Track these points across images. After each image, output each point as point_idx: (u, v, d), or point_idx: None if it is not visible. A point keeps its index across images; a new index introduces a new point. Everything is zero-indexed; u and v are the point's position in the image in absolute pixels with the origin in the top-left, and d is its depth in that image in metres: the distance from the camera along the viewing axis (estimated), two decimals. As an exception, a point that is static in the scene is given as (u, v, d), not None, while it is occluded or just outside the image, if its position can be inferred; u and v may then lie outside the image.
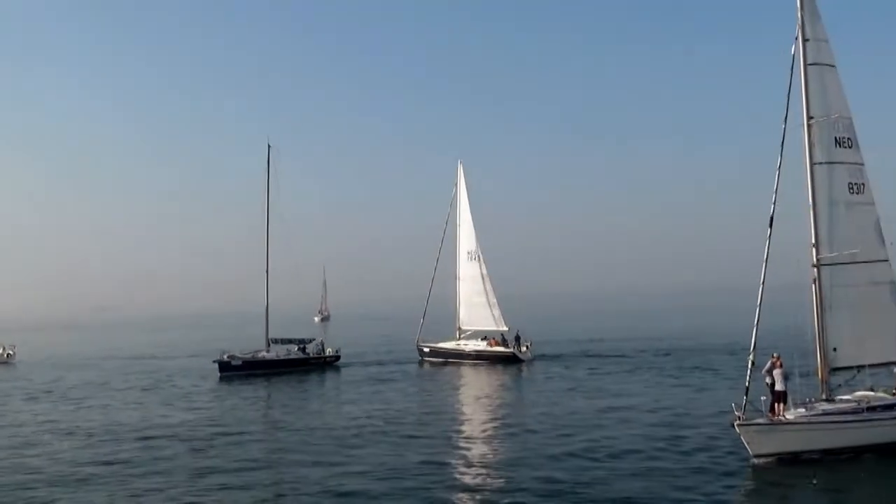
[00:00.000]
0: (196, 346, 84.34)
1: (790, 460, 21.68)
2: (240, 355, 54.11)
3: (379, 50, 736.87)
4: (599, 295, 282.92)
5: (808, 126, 23.84)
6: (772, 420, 22.25)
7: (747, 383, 22.48)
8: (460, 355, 56.73)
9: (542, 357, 55.11)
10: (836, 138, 23.96)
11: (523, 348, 54.75)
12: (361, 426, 30.48)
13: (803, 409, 22.63)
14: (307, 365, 55.01)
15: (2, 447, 28.43)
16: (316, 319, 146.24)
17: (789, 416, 22.39)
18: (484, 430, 29.87)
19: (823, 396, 23.58)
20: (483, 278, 58.79)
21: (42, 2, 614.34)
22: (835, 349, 23.75)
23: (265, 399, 41.90)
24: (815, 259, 23.79)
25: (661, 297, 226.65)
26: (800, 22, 23.99)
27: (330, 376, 51.29)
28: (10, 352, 73.13)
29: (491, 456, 24.91)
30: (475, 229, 60.12)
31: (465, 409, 35.88)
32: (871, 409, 22.52)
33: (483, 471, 22.80)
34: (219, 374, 51.54)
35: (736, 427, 21.86)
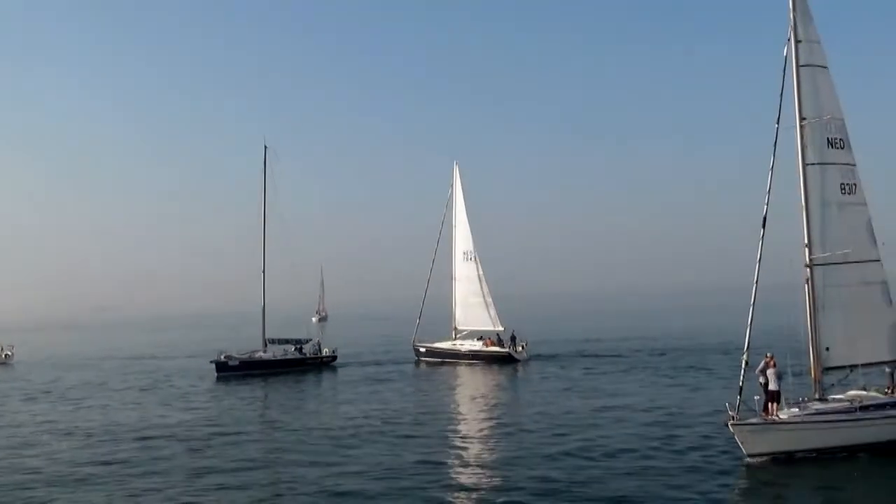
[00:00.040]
0: (195, 346, 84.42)
1: (784, 460, 21.83)
2: (237, 356, 54.26)
3: (379, 50, 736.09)
4: (599, 295, 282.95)
5: (801, 127, 23.99)
6: (765, 420, 22.43)
7: (741, 383, 22.62)
8: (456, 355, 56.89)
9: (539, 357, 55.26)
10: (828, 139, 24.11)
11: (519, 348, 54.91)
12: (358, 426, 30.61)
13: (797, 409, 22.77)
14: (304, 365, 55.17)
15: (0, 447, 28.57)
16: (313, 320, 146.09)
17: (783, 415, 22.54)
18: (480, 430, 30.02)
19: (816, 396, 23.73)
20: (479, 279, 58.94)
21: (42, 2, 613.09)
22: (827, 349, 23.90)
23: (262, 399, 42.03)
24: (807, 259, 23.93)
25: (661, 297, 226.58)
26: (792, 23, 24.16)
27: (326, 376, 51.42)
28: (9, 352, 73.18)
29: (487, 455, 25.05)
30: (471, 230, 60.29)
31: (461, 409, 36.00)
32: (864, 408, 22.65)
33: (479, 470, 22.94)
34: (216, 375, 51.70)
35: (730, 427, 22.01)
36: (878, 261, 24.43)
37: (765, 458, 21.88)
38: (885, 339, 24.31)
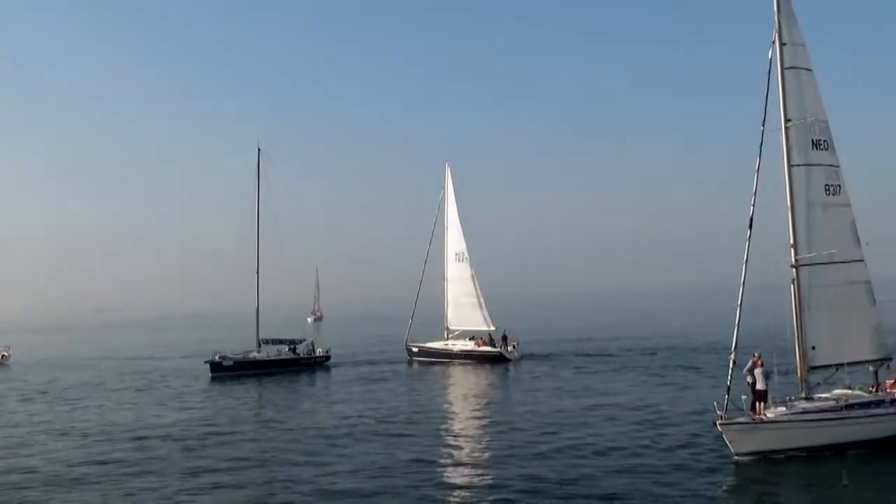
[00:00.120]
0: (192, 346, 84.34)
1: (771, 458, 22.12)
2: (231, 356, 54.46)
3: (379, 50, 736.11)
4: (600, 295, 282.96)
5: (786, 129, 24.28)
6: (753, 419, 22.68)
7: (729, 382, 22.90)
8: (448, 355, 57.17)
9: (531, 356, 55.55)
10: (812, 140, 24.39)
11: (510, 348, 55.19)
12: (352, 425, 30.85)
13: (783, 408, 23.04)
14: (298, 365, 55.38)
15: (-3, 448, 28.75)
16: (309, 320, 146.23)
17: (770, 414, 22.80)
18: (472, 429, 30.30)
19: (803, 395, 24.01)
20: (471, 279, 59.23)
21: (42, 2, 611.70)
22: (813, 348, 24.18)
23: (256, 399, 42.19)
24: (793, 259, 24.23)
25: (661, 297, 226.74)
26: (776, 26, 24.42)
27: (320, 376, 51.62)
28: (5, 353, 73.06)
29: (479, 454, 25.31)
30: (467, 230, 60.64)
31: (454, 408, 36.26)
32: (850, 406, 22.94)
33: (471, 468, 23.20)
34: (210, 375, 51.89)
35: (718, 426, 22.28)
36: (862, 261, 24.78)
37: (752, 457, 22.14)
38: (868, 338, 24.69)
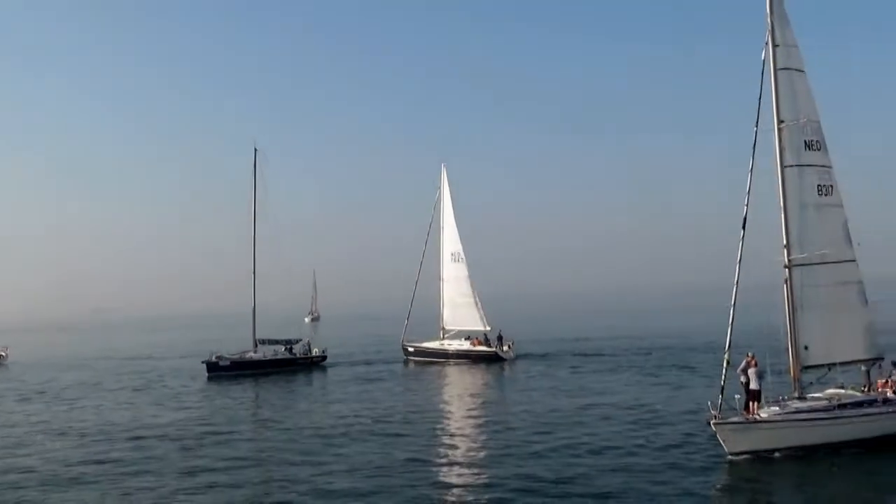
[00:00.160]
0: (190, 346, 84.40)
1: (765, 457, 22.24)
2: (227, 356, 54.56)
3: (379, 50, 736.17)
4: (600, 295, 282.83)
5: (779, 130, 24.41)
6: (746, 418, 22.78)
7: (722, 382, 22.99)
8: (444, 355, 57.28)
9: (527, 356, 55.65)
10: (805, 141, 24.50)
11: (505, 347, 55.29)
12: (349, 425, 30.95)
13: (777, 408, 23.15)
14: (294, 365, 55.46)
15: (-6, 448, 28.83)
16: (306, 320, 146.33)
17: (763, 414, 22.90)
18: (467, 428, 30.44)
19: (796, 394, 24.12)
20: (467, 279, 59.36)
21: (42, 2, 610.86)
22: (806, 347, 24.31)
23: (253, 399, 42.28)
24: (786, 260, 24.36)
25: (660, 296, 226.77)
26: (769, 27, 24.56)
27: (317, 376, 51.73)
28: (3, 353, 73.05)
29: (474, 453, 25.43)
30: (464, 230, 60.72)
31: (449, 408, 36.38)
32: (842, 406, 23.07)
33: (467, 467, 23.33)
34: (206, 375, 51.99)
35: (712, 425, 22.37)
36: (854, 261, 24.90)
37: (746, 456, 22.25)
38: (861, 338, 24.85)
